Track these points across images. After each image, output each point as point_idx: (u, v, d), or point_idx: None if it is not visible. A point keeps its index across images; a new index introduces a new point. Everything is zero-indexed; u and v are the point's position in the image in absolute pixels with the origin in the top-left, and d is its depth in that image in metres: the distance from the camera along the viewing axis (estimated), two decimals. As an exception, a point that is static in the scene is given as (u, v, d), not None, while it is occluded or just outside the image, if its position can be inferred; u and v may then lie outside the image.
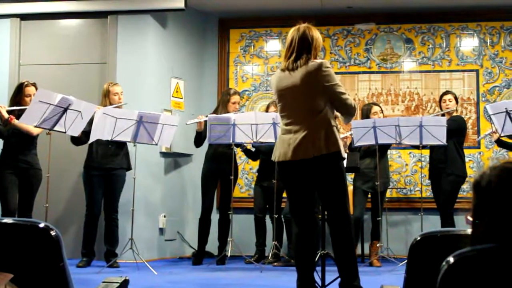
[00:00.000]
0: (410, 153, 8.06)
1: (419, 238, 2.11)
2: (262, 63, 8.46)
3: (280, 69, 4.36)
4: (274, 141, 6.24)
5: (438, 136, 6.57)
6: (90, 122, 6.23)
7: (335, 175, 4.23)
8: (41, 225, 2.05)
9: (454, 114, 7.16)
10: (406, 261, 2.16)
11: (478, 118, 7.99)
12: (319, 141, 4.11)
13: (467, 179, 7.06)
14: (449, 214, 6.92)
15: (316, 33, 4.34)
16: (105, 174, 6.72)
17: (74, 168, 7.30)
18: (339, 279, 4.28)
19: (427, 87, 8.14)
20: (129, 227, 6.63)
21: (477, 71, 8.08)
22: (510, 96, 7.77)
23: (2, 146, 6.45)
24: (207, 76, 8.48)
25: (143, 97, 7.51)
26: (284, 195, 6.16)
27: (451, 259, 1.41)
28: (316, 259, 4.43)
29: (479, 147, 7.96)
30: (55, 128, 5.91)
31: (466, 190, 7.31)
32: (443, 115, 7.06)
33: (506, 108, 6.23)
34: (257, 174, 7.66)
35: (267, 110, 7.35)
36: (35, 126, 5.93)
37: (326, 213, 4.39)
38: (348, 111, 4.34)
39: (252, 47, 8.49)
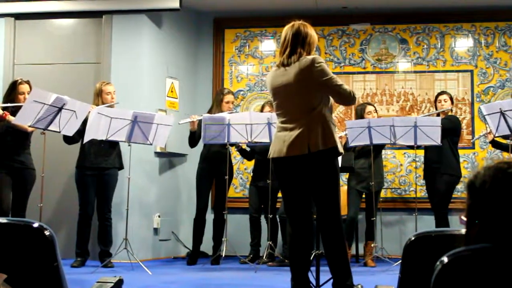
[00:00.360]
0: (404, 153, 8.07)
1: (413, 238, 2.11)
2: (257, 63, 8.46)
3: (276, 65, 4.37)
4: (269, 141, 6.25)
5: (433, 136, 6.58)
6: (84, 122, 6.22)
7: (329, 172, 4.23)
8: (35, 224, 2.04)
9: (449, 114, 7.17)
10: (400, 261, 2.16)
11: (472, 118, 8.01)
12: (316, 137, 4.11)
13: (461, 179, 7.07)
14: (443, 214, 6.93)
15: (311, 30, 4.35)
16: (98, 173, 6.71)
17: (67, 168, 7.28)
18: (332, 281, 4.28)
19: (422, 87, 8.15)
20: (124, 227, 6.62)
21: (471, 71, 8.10)
22: (504, 97, 7.78)
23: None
24: (202, 76, 8.48)
25: (138, 96, 7.50)
26: (279, 195, 6.15)
27: (445, 259, 1.41)
28: (311, 259, 4.42)
29: (473, 148, 7.97)
30: (50, 128, 5.90)
31: (460, 190, 7.32)
32: (438, 114, 7.08)
33: (500, 109, 6.24)
34: (252, 174, 7.66)
35: (262, 110, 7.35)
36: (30, 126, 5.92)
37: (317, 210, 4.38)
38: (347, 101, 4.37)
39: (247, 47, 8.48)
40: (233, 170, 7.55)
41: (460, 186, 7.19)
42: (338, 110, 8.18)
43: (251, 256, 7.28)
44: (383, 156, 7.50)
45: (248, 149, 7.52)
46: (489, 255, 1.40)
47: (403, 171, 8.11)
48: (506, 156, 6.95)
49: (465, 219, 1.52)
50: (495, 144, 7.03)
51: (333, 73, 4.32)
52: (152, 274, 6.09)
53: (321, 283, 4.49)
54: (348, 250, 6.60)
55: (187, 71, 8.34)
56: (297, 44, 4.27)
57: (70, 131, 6.08)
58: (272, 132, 6.12)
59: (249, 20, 8.48)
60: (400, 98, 8.17)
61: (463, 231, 1.54)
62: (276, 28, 8.31)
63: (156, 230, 7.75)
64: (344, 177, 7.46)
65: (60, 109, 5.83)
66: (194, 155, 7.56)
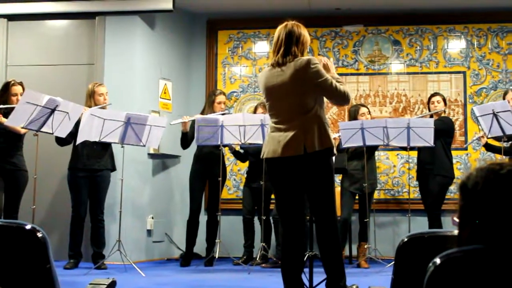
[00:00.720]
0: (398, 154, 8.08)
1: (406, 239, 2.12)
2: (250, 65, 8.46)
3: (270, 65, 4.35)
4: (262, 143, 6.24)
5: (426, 137, 6.59)
6: (76, 123, 6.20)
7: (325, 172, 4.23)
8: (28, 226, 2.04)
9: (442, 115, 7.19)
10: (393, 262, 2.16)
11: (465, 119, 8.03)
12: (312, 137, 4.11)
13: (454, 180, 7.09)
14: (436, 215, 6.94)
15: (304, 31, 4.35)
16: (91, 175, 6.70)
17: (60, 169, 7.27)
18: (326, 281, 4.28)
19: (415, 88, 8.16)
20: (117, 228, 6.61)
21: (464, 73, 8.12)
22: (497, 98, 7.80)
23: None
24: (195, 77, 8.48)
25: (131, 98, 7.49)
26: (273, 196, 6.15)
27: (437, 260, 1.41)
28: (304, 260, 4.42)
29: (466, 149, 7.99)
30: (42, 130, 5.88)
31: (453, 191, 7.33)
32: (431, 116, 7.09)
33: (493, 110, 6.26)
34: (246, 175, 7.66)
35: (255, 112, 7.35)
36: (22, 128, 5.91)
37: (312, 211, 4.38)
38: (341, 102, 4.38)
39: (240, 48, 8.49)
40: (226, 172, 7.55)
41: (453, 187, 7.21)
42: (332, 112, 8.19)
43: (245, 257, 7.28)
44: (376, 158, 7.52)
45: (242, 151, 7.52)
46: (481, 256, 1.40)
47: (396, 172, 8.12)
48: (498, 157, 6.97)
49: (457, 220, 1.52)
50: (488, 147, 7.06)
51: (326, 74, 4.32)
52: (145, 276, 6.08)
53: (314, 284, 4.49)
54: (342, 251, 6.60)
55: (180, 72, 8.33)
56: (291, 44, 4.26)
57: (63, 133, 6.06)
58: (266, 133, 6.11)
59: (242, 21, 8.48)
60: (393, 100, 8.19)
61: (456, 232, 1.55)
62: (269, 30, 8.32)
63: (149, 232, 7.74)
64: (337, 179, 7.46)
65: (53, 110, 5.82)
66: (188, 156, 7.55)
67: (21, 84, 6.35)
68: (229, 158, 8.04)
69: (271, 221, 7.21)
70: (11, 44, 7.83)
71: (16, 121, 5.85)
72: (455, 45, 8.20)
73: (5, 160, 6.25)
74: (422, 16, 8.20)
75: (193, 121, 7.03)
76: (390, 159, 8.13)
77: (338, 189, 7.26)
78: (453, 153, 7.35)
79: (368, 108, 7.40)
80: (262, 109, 7.12)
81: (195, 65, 8.49)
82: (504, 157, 6.57)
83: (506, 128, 6.26)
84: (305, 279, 4.37)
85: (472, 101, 8.03)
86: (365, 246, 7.11)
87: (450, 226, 6.93)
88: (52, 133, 5.98)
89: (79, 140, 6.28)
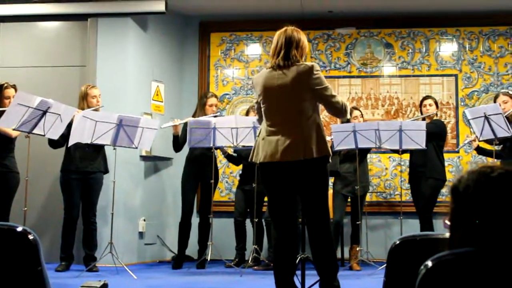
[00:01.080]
0: (390, 157, 8.09)
1: (398, 242, 2.12)
2: (242, 67, 8.46)
3: (269, 67, 4.34)
4: (254, 145, 6.23)
5: (418, 140, 6.61)
6: (68, 125, 6.19)
7: (320, 178, 4.26)
8: (19, 228, 2.03)
9: (435, 118, 7.21)
10: (385, 265, 2.17)
11: (457, 122, 8.05)
12: (311, 144, 4.13)
13: (446, 183, 7.10)
14: (428, 218, 6.95)
15: (303, 36, 4.37)
16: (83, 177, 6.67)
17: (52, 171, 7.25)
18: (319, 282, 4.29)
19: (407, 91, 8.18)
20: (109, 230, 6.59)
21: (456, 76, 8.14)
22: (488, 101, 7.82)
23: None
24: (188, 79, 8.47)
25: (123, 100, 7.47)
26: (266, 199, 6.14)
27: (429, 263, 1.41)
28: (296, 263, 4.43)
29: (458, 152, 8.01)
30: (34, 131, 5.86)
31: (445, 194, 7.35)
32: (423, 119, 7.11)
33: (484, 113, 6.28)
34: (239, 178, 7.66)
35: (247, 115, 7.34)
36: (14, 129, 5.88)
37: (305, 214, 4.39)
38: (339, 113, 4.42)
39: (232, 50, 8.48)
40: (218, 174, 7.55)
41: (444, 190, 7.23)
42: (324, 114, 8.18)
43: (237, 260, 7.27)
44: (368, 160, 7.53)
45: (235, 154, 7.52)
46: (472, 259, 1.40)
47: (388, 175, 8.13)
48: (490, 160, 7.00)
49: (449, 223, 1.53)
50: (480, 151, 7.08)
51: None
52: (137, 278, 6.07)
53: (306, 286, 4.49)
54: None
55: (173, 74, 8.32)
56: (291, 48, 4.27)
57: (55, 135, 6.05)
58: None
59: (235, 24, 8.48)
60: (385, 102, 8.20)
61: (447, 235, 1.55)
62: (262, 32, 8.33)
63: (141, 234, 7.72)
64: (330, 181, 7.46)
65: (44, 112, 5.80)
66: (180, 158, 7.54)
67: (14, 87, 6.33)
68: (221, 160, 8.03)
69: (263, 223, 7.21)
70: (3, 46, 7.81)
71: (7, 123, 5.82)
72: (447, 48, 8.22)
73: (-3, 162, 6.23)
74: (414, 19, 8.22)
75: (185, 124, 7.02)
76: (382, 161, 8.14)
77: (330, 192, 7.25)
78: (445, 156, 7.36)
79: (360, 111, 7.41)
80: (254, 112, 7.11)
81: (188, 67, 8.49)
82: (495, 160, 6.59)
83: (498, 131, 6.28)
84: (297, 281, 4.37)
85: (464, 104, 8.05)
86: (357, 249, 7.12)
87: (441, 228, 6.94)
88: (44, 135, 5.96)
89: (71, 142, 6.26)
